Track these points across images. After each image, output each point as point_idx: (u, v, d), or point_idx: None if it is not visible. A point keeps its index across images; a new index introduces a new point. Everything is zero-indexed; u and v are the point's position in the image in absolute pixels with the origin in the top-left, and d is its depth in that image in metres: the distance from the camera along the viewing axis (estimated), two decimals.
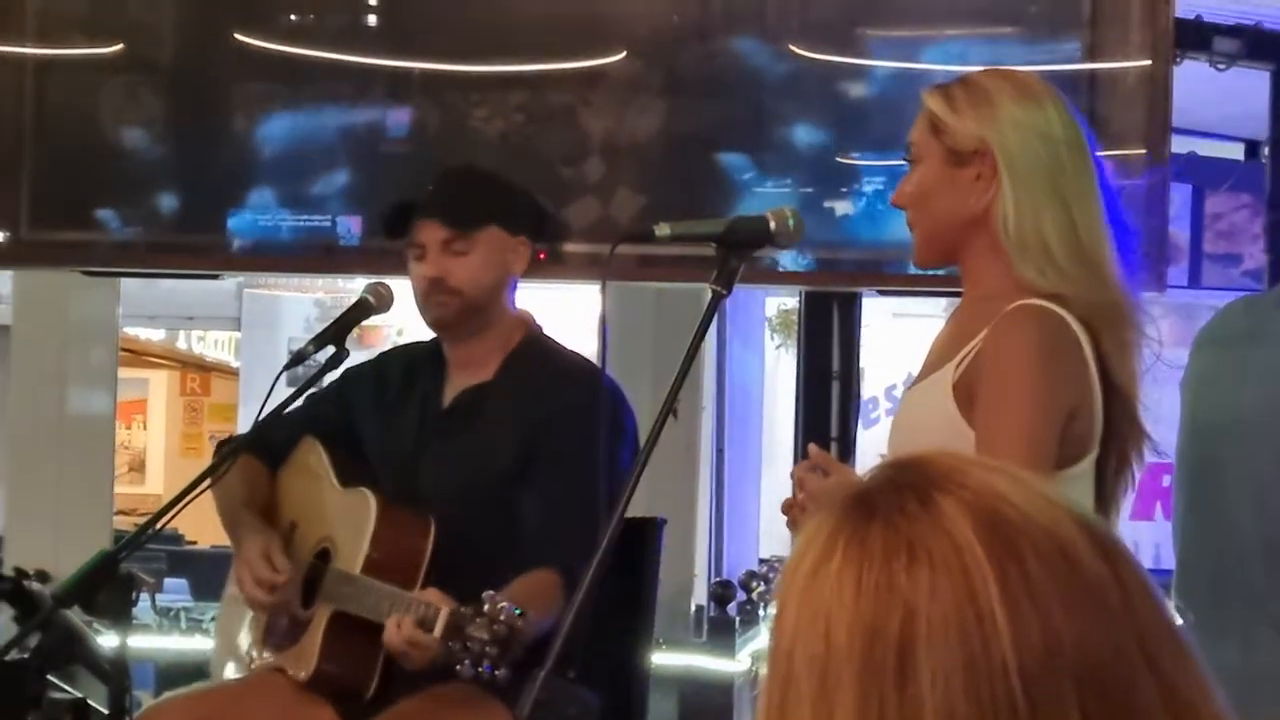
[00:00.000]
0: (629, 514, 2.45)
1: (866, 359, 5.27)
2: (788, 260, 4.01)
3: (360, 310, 3.26)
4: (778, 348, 8.64)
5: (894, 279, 4.14)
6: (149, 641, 5.20)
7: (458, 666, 2.72)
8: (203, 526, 7.37)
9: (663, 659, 4.65)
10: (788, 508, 2.49)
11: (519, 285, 3.36)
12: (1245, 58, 5.35)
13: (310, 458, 3.38)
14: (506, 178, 3.51)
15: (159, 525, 2.99)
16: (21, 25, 4.36)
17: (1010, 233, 2.52)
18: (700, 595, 5.67)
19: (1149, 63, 3.89)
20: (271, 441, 3.36)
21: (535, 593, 2.95)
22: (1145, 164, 3.86)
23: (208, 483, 3.07)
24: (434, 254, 3.24)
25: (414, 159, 4.14)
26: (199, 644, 5.13)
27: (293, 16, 4.30)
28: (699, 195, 4.05)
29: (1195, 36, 5.23)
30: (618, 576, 2.55)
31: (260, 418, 3.11)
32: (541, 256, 3.92)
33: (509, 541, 3.12)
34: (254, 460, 3.37)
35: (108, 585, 2.91)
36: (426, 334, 3.41)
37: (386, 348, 3.67)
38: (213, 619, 4.35)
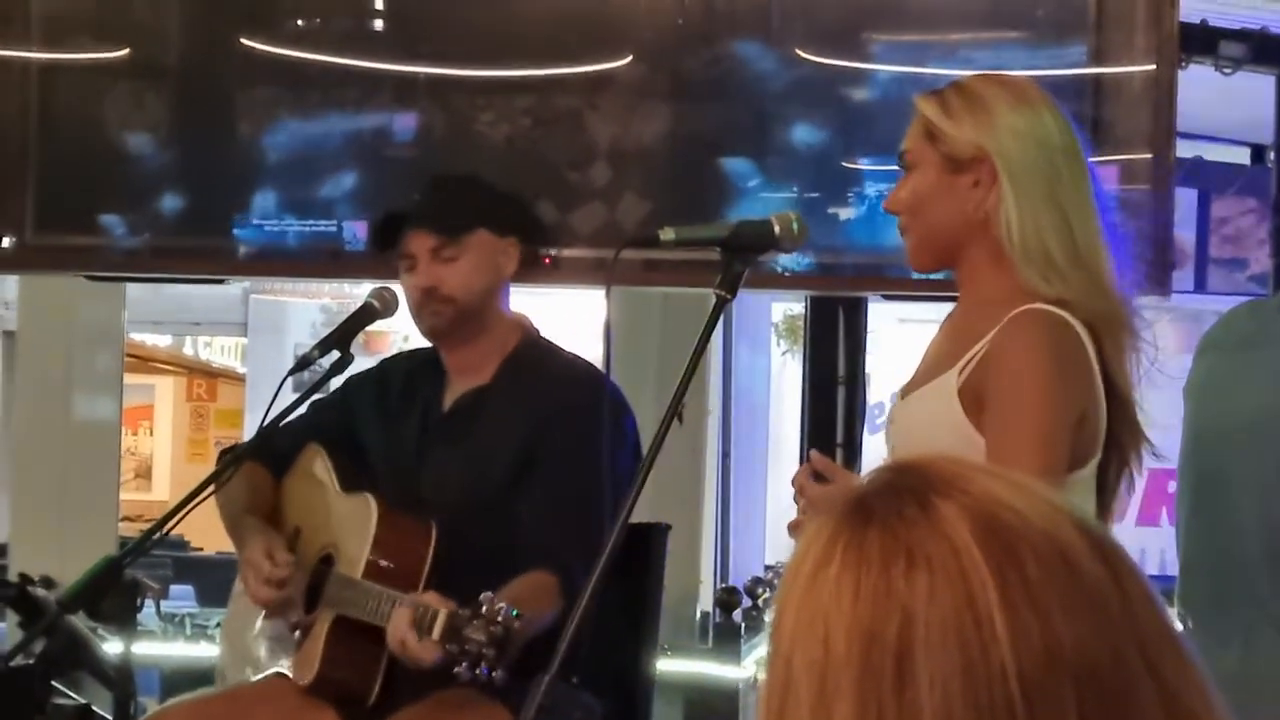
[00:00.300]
0: (634, 519, 2.45)
1: (873, 364, 5.27)
2: (791, 264, 4.00)
3: (365, 315, 3.26)
4: (784, 353, 8.63)
5: (898, 283, 4.14)
6: (154, 648, 5.21)
7: (456, 668, 2.72)
8: (208, 533, 7.38)
9: (667, 665, 4.65)
10: (794, 528, 2.48)
11: (524, 290, 3.36)
12: (1251, 62, 5.33)
13: (314, 464, 3.38)
14: (491, 181, 3.51)
15: (164, 531, 2.99)
16: (27, 29, 4.36)
17: (1014, 240, 2.52)
18: (705, 601, 5.67)
19: (1154, 67, 3.88)
20: (275, 448, 3.37)
21: (531, 594, 2.95)
22: (1150, 169, 3.86)
23: (211, 489, 3.07)
24: (424, 263, 3.25)
25: (420, 164, 4.13)
26: (204, 650, 5.15)
27: (298, 21, 4.30)
28: (704, 200, 4.04)
29: (1201, 41, 5.21)
30: (622, 582, 2.55)
31: (264, 424, 3.12)
32: (546, 261, 3.92)
33: (510, 544, 3.12)
34: (258, 467, 3.38)
35: (113, 591, 2.90)
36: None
37: (392, 353, 3.67)
38: (218, 625, 4.35)
